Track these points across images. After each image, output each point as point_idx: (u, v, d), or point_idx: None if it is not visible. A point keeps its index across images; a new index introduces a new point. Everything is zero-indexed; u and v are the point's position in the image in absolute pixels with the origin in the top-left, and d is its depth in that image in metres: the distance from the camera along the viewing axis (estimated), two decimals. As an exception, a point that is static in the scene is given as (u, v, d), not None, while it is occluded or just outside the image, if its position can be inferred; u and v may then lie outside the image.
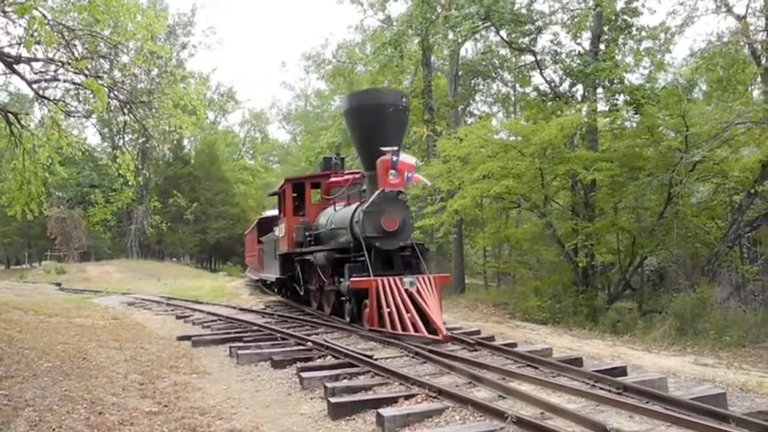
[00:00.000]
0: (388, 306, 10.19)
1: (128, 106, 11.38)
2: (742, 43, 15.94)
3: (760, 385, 7.65)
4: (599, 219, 17.57)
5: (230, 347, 10.44)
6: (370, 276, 10.68)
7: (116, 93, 11.13)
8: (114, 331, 13.12)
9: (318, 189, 16.25)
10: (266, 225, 22.18)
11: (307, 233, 14.81)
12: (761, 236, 17.12)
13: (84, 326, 13.87)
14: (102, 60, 11.14)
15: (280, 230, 16.62)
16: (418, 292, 10.38)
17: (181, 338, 12.07)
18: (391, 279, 10.46)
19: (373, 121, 11.65)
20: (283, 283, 17.57)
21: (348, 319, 11.82)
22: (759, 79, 16.58)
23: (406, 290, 10.32)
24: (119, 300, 22.32)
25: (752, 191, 15.05)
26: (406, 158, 11.51)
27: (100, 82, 9.95)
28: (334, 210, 13.79)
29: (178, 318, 15.97)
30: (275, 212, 22.56)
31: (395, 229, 11.31)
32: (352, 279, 10.84)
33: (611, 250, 17.82)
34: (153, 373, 8.75)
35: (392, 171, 11.07)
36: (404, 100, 12.03)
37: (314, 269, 13.88)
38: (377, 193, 11.29)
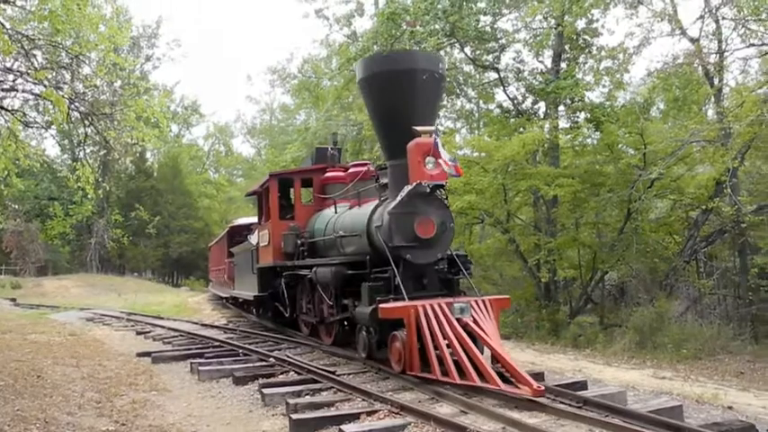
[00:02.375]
0: (435, 342, 7.56)
1: (89, 118, 11.19)
2: (696, 65, 16.46)
3: (715, 397, 7.83)
4: (561, 234, 17.87)
5: (191, 364, 10.27)
6: (404, 300, 8.08)
7: (77, 104, 10.94)
8: (71, 348, 12.80)
9: (310, 187, 13.36)
10: (238, 234, 19.97)
11: (299, 241, 11.94)
12: (716, 251, 17.61)
13: (40, 342, 13.50)
14: (63, 71, 10.96)
15: (261, 238, 13.68)
16: (475, 322, 7.81)
17: (140, 355, 11.83)
18: (435, 304, 7.81)
19: (402, 93, 8.74)
20: (262, 303, 14.24)
21: (364, 355, 9.08)
22: (712, 99, 17.12)
23: (457, 319, 7.76)
24: (77, 315, 21.77)
25: (707, 207, 15.48)
26: (439, 146, 8.69)
27: (60, 93, 9.79)
28: (335, 212, 11.15)
29: (138, 333, 15.66)
30: (248, 220, 21.14)
31: (432, 236, 8.63)
32: (383, 306, 7.95)
33: (572, 265, 18.10)
34: (111, 390, 8.56)
35: (430, 158, 8.34)
36: (440, 66, 9.14)
37: (308, 287, 11.43)
38: (408, 188, 8.42)
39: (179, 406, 7.81)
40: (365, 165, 11.54)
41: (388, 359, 8.37)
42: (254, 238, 14.81)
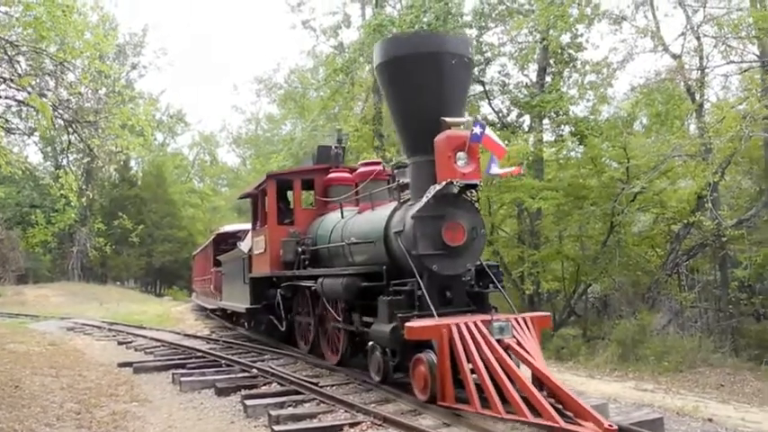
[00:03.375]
0: (472, 367, 6.48)
1: (73, 125, 11.12)
2: (678, 80, 16.71)
3: (695, 410, 7.89)
4: (545, 247, 17.96)
5: (173, 374, 10.17)
6: (434, 317, 7.02)
7: (60, 111, 10.88)
8: (51, 358, 12.63)
9: (311, 189, 12.35)
10: (225, 242, 18.94)
11: (299, 249, 10.84)
12: (697, 264, 17.81)
13: (19, 352, 13.31)
14: (47, 78, 10.91)
15: (255, 245, 12.71)
16: (518, 344, 6.70)
17: (122, 365, 11.70)
18: (470, 322, 6.71)
19: (427, 80, 7.56)
20: (254, 316, 13.20)
21: (378, 379, 8.01)
22: (694, 115, 17.38)
23: (498, 340, 6.62)
24: (57, 325, 21.49)
25: (688, 221, 15.67)
26: (492, 136, 7.45)
27: (44, 99, 9.73)
28: (342, 216, 10.10)
29: (120, 343, 15.48)
30: (236, 227, 20.24)
31: (461, 244, 7.58)
32: (410, 325, 6.78)
33: (556, 278, 18.20)
34: (91, 401, 8.46)
35: (462, 154, 7.23)
36: (470, 49, 8.14)
37: (309, 300, 10.62)
38: (437, 187, 7.28)
39: (160, 417, 7.73)
40: (377, 164, 10.49)
41: (406, 384, 7.39)
42: (244, 245, 13.86)
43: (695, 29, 16.19)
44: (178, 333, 17.09)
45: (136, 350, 14.11)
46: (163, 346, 14.27)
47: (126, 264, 50.68)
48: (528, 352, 6.54)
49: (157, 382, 10.19)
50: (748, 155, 16.46)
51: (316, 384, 8.34)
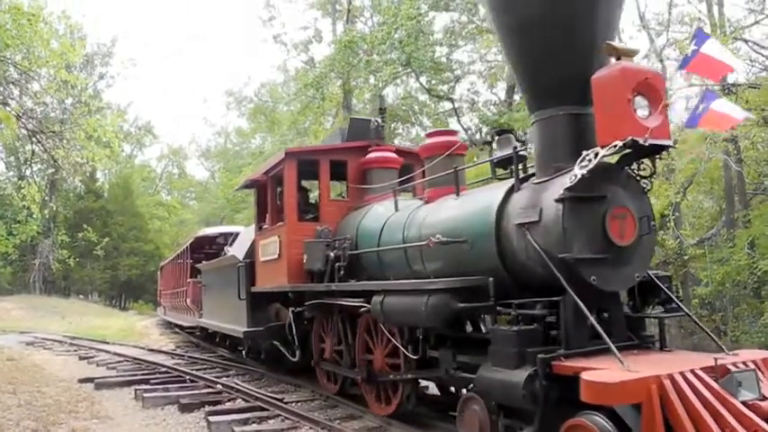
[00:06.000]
0: None
1: (37, 135, 10.97)
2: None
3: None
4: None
5: (136, 390, 9.98)
6: (588, 357, 4.55)
7: (24, 121, 10.73)
8: (8, 373, 12.29)
9: (342, 173, 9.25)
10: (206, 247, 16.70)
11: (331, 254, 7.90)
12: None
13: (-25, 367, 12.94)
14: (11, 86, 10.77)
15: (262, 250, 9.73)
16: None
17: (83, 381, 11.43)
18: (689, 374, 4.01)
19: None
20: (253, 340, 10.67)
21: None
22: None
23: (749, 404, 3.94)
24: (16, 339, 20.95)
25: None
26: (714, 49, 4.95)
27: (8, 109, 9.59)
28: (396, 209, 7.45)
29: (81, 358, 15.16)
30: (218, 229, 18.34)
31: (631, 243, 4.94)
32: (593, 378, 3.97)
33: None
34: (49, 419, 8.24)
35: (642, 99, 4.60)
36: None
37: (346, 324, 7.93)
38: (602, 152, 4.57)
39: (121, 434, 7.59)
40: (451, 133, 7.53)
41: None
42: (236, 250, 11.38)
43: (658, 52, 16.65)
44: (142, 348, 16.82)
45: (98, 365, 13.84)
46: (126, 361, 14.03)
47: (90, 277, 49.80)
48: None
49: (119, 398, 9.98)
50: (709, 175, 16.90)
51: (281, 401, 8.27)
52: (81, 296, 53.34)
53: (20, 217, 42.02)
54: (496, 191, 5.70)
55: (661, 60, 16.63)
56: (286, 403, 8.16)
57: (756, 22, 16.63)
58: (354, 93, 26.29)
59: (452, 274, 5.82)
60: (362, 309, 6.79)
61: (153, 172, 65.38)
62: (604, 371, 4.07)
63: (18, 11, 10.15)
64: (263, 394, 8.71)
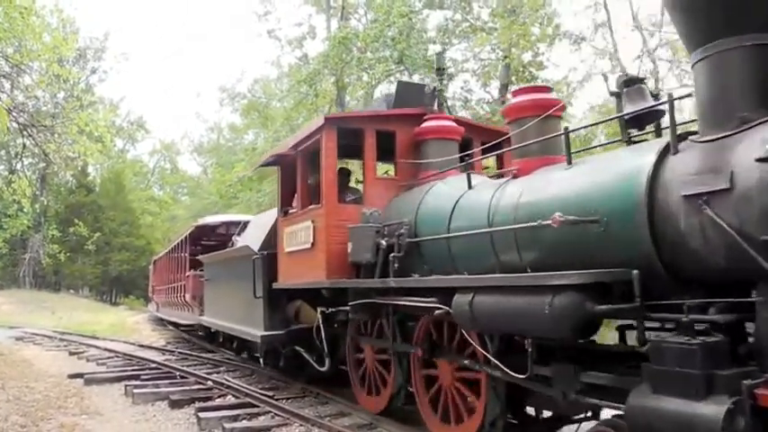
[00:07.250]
0: None
1: (28, 129, 10.92)
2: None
3: None
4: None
5: (126, 386, 9.95)
6: None
7: (15, 114, 10.67)
8: (-3, 368, 12.26)
9: (391, 145, 7.55)
10: (208, 237, 15.55)
11: (383, 242, 6.37)
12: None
13: (-36, 362, 12.89)
14: (2, 80, 10.71)
15: (288, 239, 8.24)
16: None
17: (72, 376, 11.38)
18: None
19: None
20: (270, 345, 9.20)
21: None
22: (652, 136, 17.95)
23: None
24: (5, 334, 20.83)
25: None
26: None
27: (-2, 103, 9.54)
28: (470, 187, 5.83)
29: (71, 354, 15.11)
30: (221, 218, 17.07)
31: None
32: None
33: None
34: (38, 414, 8.21)
35: None
36: None
37: (396, 330, 6.53)
38: None
39: (110, 430, 7.56)
40: (546, 90, 5.97)
41: None
42: (250, 240, 10.06)
43: (651, 52, 16.72)
44: (133, 344, 16.77)
45: (88, 361, 13.79)
46: (116, 356, 14.00)
47: (81, 272, 49.56)
48: None
49: (109, 393, 9.95)
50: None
51: (271, 397, 8.27)
52: (71, 291, 53.12)
53: (10, 211, 41.77)
54: (639, 154, 4.21)
55: (653, 61, 16.72)
56: (277, 400, 8.16)
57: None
58: (348, 90, 26.27)
59: (565, 266, 4.22)
60: (437, 311, 5.26)
61: (145, 167, 65.20)
62: None
63: (10, 3, 10.08)
64: (253, 390, 8.71)
